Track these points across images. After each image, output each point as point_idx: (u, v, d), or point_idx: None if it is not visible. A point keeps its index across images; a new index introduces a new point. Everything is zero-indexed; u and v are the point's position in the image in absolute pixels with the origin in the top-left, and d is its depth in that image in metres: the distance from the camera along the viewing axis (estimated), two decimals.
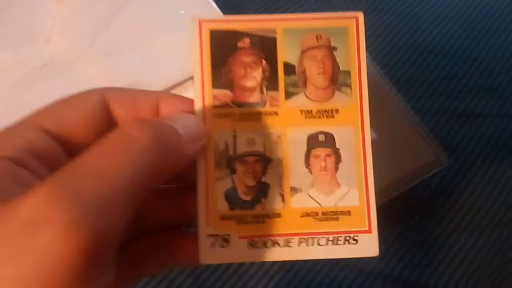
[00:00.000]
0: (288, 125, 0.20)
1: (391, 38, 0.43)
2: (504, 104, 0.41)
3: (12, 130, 0.19)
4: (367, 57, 0.21)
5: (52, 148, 0.19)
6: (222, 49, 0.21)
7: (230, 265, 0.34)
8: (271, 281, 0.34)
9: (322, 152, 0.20)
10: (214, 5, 0.41)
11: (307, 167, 0.20)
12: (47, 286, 0.14)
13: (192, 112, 0.20)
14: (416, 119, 0.35)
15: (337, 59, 0.21)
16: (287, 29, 0.21)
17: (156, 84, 0.38)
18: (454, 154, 0.38)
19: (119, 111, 0.21)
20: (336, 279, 0.34)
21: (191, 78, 0.36)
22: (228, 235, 0.20)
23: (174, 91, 0.39)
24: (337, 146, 0.21)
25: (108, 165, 0.16)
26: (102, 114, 0.20)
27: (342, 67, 0.21)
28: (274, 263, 0.34)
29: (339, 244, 0.20)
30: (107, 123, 0.21)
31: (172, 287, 0.34)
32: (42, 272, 0.14)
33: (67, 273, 0.14)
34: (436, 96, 0.40)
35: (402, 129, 0.32)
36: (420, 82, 0.41)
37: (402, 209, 0.36)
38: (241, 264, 0.34)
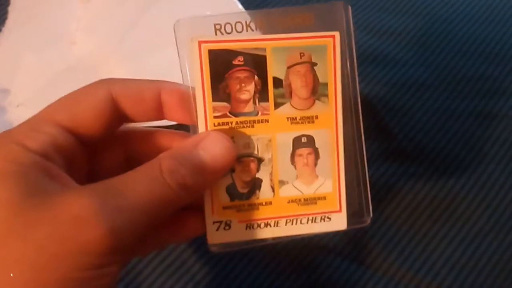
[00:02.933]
0: (277, 130, 0.25)
1: (417, 39, 0.44)
2: None
3: (34, 126, 0.22)
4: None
5: (70, 142, 0.22)
6: (219, 66, 0.24)
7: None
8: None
9: (304, 151, 0.25)
10: (240, 5, 0.39)
11: (292, 164, 0.25)
12: (79, 262, 0.19)
13: (191, 104, 0.24)
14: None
15: (317, 73, 0.25)
16: (275, 47, 0.24)
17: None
18: (479, 155, 0.37)
19: (126, 103, 0.23)
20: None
21: None
22: (230, 220, 0.25)
23: None
24: (317, 145, 0.25)
25: (137, 200, 0.20)
26: (110, 106, 0.23)
27: (321, 80, 0.25)
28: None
29: (317, 222, 0.26)
30: (114, 115, 0.23)
31: None
32: (79, 257, 0.19)
33: (93, 259, 0.19)
34: (462, 97, 0.40)
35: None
36: (447, 82, 0.41)
37: (417, 209, 0.36)
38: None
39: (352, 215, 0.26)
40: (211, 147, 0.22)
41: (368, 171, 0.26)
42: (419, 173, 0.37)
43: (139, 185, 0.21)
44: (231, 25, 0.24)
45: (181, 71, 0.24)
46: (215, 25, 0.24)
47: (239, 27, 0.25)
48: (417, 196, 0.36)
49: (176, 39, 0.24)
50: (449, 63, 0.42)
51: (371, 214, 0.26)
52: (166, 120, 0.25)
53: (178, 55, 0.24)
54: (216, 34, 0.24)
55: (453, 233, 0.35)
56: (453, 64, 0.42)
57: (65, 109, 0.23)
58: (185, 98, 0.24)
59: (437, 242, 0.35)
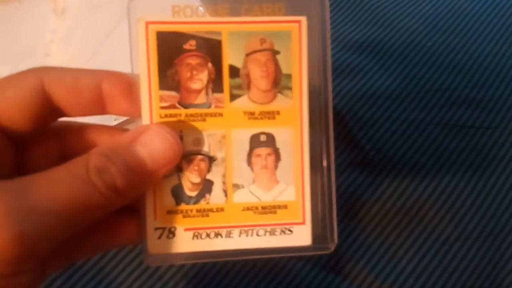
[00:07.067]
0: (232, 126, 0.22)
1: (385, 51, 0.44)
2: (495, 116, 0.41)
3: None
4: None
5: None
6: (168, 51, 0.21)
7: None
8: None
9: (263, 151, 0.22)
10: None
11: (249, 165, 0.22)
12: None
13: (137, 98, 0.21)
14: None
15: (280, 63, 0.22)
16: (232, 32, 0.21)
17: None
18: (446, 165, 0.38)
19: (60, 94, 0.21)
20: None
21: None
22: (174, 227, 0.22)
23: None
24: (277, 146, 0.22)
25: (53, 202, 0.17)
26: (40, 97, 0.20)
27: (284, 71, 0.22)
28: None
29: (276, 235, 0.22)
30: (45, 107, 0.21)
31: None
32: None
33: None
34: (429, 108, 0.41)
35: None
36: (413, 94, 0.42)
37: (385, 218, 0.36)
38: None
39: (314, 239, 0.22)
40: (151, 142, 0.20)
41: (336, 183, 0.22)
42: (387, 182, 0.37)
43: (59, 184, 0.18)
44: (192, 9, 0.22)
45: (130, 57, 0.22)
46: (173, 7, 0.22)
47: (200, 12, 0.22)
48: (384, 205, 0.36)
49: (128, 20, 0.22)
50: (416, 74, 0.43)
51: (336, 240, 0.22)
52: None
53: (130, 39, 0.22)
54: (174, 17, 0.22)
55: (421, 241, 0.35)
56: (420, 76, 0.43)
57: None
58: (131, 87, 0.21)
59: (405, 250, 0.35)
